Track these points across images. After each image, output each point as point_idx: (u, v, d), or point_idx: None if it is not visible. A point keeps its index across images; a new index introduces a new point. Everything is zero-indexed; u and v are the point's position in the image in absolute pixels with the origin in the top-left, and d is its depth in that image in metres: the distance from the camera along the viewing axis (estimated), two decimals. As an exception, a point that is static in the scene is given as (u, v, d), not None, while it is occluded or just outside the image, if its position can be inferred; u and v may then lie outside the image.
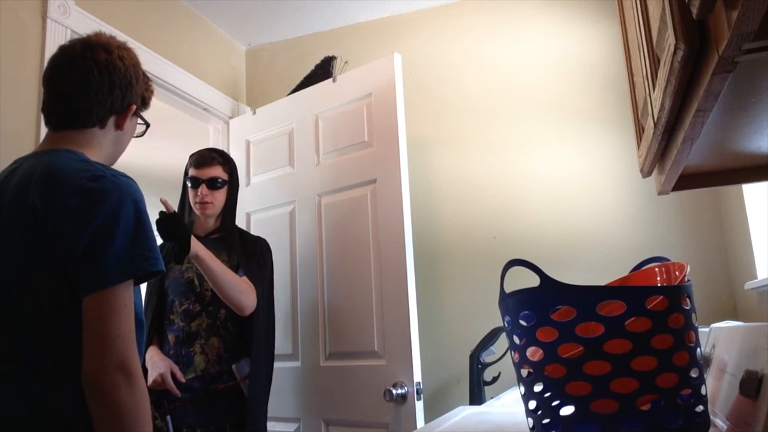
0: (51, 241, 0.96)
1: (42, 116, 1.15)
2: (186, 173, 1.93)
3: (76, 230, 0.95)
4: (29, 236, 0.97)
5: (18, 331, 0.98)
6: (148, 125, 1.25)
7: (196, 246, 1.68)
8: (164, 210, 1.67)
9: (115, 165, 1.17)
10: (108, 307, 0.94)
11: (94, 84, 1.10)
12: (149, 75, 1.27)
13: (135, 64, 1.18)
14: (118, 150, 1.21)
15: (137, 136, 1.25)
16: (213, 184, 1.87)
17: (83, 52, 1.11)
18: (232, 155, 2.16)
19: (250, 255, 1.90)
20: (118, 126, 1.16)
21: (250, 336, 1.80)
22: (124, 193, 1.00)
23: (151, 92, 1.26)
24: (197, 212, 1.89)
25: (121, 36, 2.08)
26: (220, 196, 1.90)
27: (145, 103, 1.23)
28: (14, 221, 0.99)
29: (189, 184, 1.90)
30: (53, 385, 0.97)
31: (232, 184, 1.94)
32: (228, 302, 1.75)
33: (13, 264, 0.98)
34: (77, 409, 0.94)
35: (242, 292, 1.76)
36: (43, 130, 1.75)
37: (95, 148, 1.12)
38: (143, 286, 1.19)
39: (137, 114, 1.21)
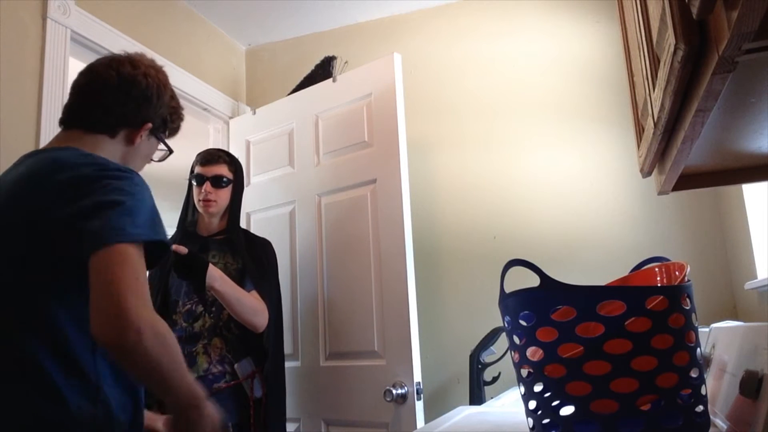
0: (52, 235, 0.95)
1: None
2: (192, 171, 1.93)
3: (73, 206, 0.94)
4: (31, 231, 0.97)
5: (17, 327, 0.97)
6: (171, 152, 1.23)
7: (212, 276, 1.66)
8: (178, 253, 1.64)
9: None
10: (115, 259, 0.89)
11: (110, 92, 1.10)
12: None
13: (161, 84, 1.17)
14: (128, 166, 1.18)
15: (157, 161, 1.24)
16: (218, 182, 1.87)
17: (110, 62, 1.13)
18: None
19: (256, 259, 1.89)
20: (129, 140, 1.14)
21: (261, 342, 1.82)
22: (136, 182, 1.00)
23: (178, 118, 1.23)
24: (200, 210, 1.89)
25: (121, 36, 2.09)
26: (224, 195, 1.89)
27: (166, 126, 1.20)
28: (12, 213, 0.99)
29: (194, 182, 1.90)
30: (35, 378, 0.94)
31: (237, 185, 1.94)
32: (242, 323, 1.77)
33: (10, 254, 0.98)
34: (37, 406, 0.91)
35: (257, 313, 1.77)
36: (44, 130, 1.77)
37: (101, 153, 1.11)
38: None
39: (156, 135, 1.19)
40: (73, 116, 1.12)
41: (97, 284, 0.88)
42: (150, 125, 1.16)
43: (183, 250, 1.65)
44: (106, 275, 0.88)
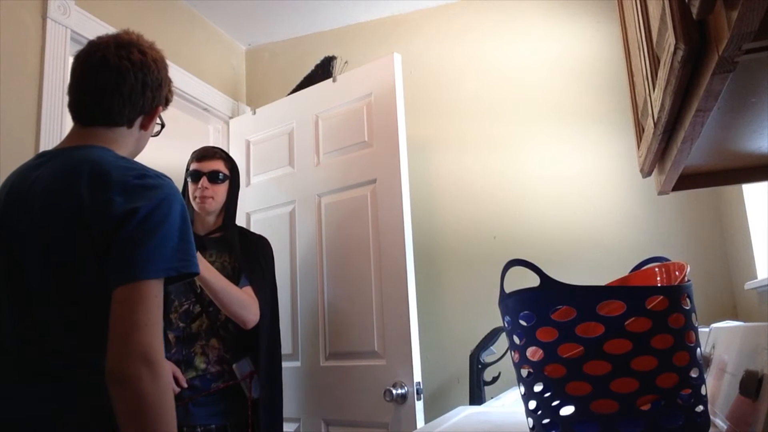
0: (93, 233, 0.95)
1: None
2: (187, 169, 1.92)
3: (119, 223, 0.95)
4: (72, 227, 0.97)
5: (56, 321, 0.98)
6: (163, 125, 1.25)
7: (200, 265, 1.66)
8: None
9: None
10: (139, 297, 0.92)
11: (129, 84, 1.10)
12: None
13: (165, 66, 1.18)
14: (138, 149, 1.21)
15: (153, 136, 1.25)
16: (214, 177, 1.86)
17: (118, 51, 1.10)
18: (232, 155, 2.16)
19: (252, 257, 1.88)
20: (144, 126, 1.17)
21: (256, 340, 1.80)
22: (170, 193, 1.01)
23: (173, 93, 1.25)
24: (197, 207, 1.87)
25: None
26: (221, 191, 1.88)
27: (167, 104, 1.23)
28: (57, 212, 0.99)
29: (190, 179, 1.89)
30: (87, 379, 0.96)
31: (233, 181, 1.93)
32: (230, 316, 1.74)
33: (54, 254, 0.98)
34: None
35: (244, 306, 1.74)
36: (44, 130, 1.77)
37: (121, 146, 1.12)
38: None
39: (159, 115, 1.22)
40: (93, 113, 1.10)
41: (115, 320, 0.92)
42: (161, 108, 1.18)
43: None
44: (126, 313, 0.91)
